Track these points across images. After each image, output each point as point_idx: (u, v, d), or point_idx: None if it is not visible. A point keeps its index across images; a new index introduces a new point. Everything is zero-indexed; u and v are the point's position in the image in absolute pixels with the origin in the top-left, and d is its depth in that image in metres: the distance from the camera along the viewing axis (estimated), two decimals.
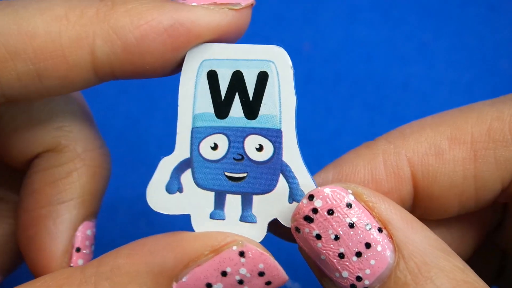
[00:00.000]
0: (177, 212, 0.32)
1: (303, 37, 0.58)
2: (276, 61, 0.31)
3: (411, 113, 0.56)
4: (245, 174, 0.31)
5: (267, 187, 0.31)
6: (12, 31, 0.30)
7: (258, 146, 0.31)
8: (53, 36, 0.30)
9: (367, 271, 0.29)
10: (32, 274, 0.35)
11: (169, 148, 0.32)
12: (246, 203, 0.31)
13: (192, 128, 0.32)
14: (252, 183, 0.31)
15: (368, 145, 0.34)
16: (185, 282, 0.30)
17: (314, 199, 0.29)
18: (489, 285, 0.29)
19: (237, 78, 0.31)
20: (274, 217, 0.31)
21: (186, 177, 0.32)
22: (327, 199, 0.29)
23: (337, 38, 0.58)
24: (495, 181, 0.32)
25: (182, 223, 0.32)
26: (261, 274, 0.30)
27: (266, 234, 0.31)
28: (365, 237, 0.29)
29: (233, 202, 0.31)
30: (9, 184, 0.38)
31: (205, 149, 0.32)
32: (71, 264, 0.34)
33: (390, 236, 0.29)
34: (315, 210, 0.29)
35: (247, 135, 0.31)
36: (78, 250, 0.35)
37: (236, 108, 0.31)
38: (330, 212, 0.29)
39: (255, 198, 0.31)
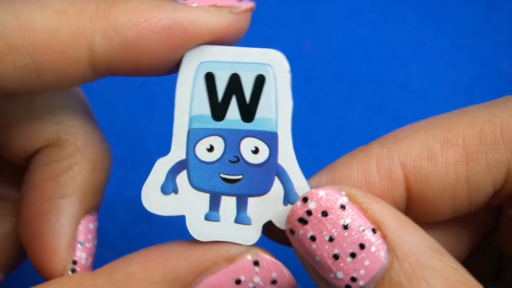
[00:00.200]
0: (172, 213, 0.32)
1: (303, 37, 0.58)
2: (274, 65, 0.31)
3: (411, 113, 0.56)
4: (240, 176, 0.32)
5: (262, 190, 0.32)
6: (12, 25, 0.30)
7: (254, 149, 0.32)
8: (52, 31, 0.30)
9: (362, 272, 0.29)
10: (36, 270, 0.35)
11: (169, 148, 0.32)
12: (241, 205, 0.32)
13: (189, 130, 0.32)
14: (247, 185, 0.32)
15: (361, 149, 0.34)
16: None
17: (308, 201, 0.30)
18: (487, 287, 0.30)
19: (235, 81, 0.31)
20: (268, 219, 0.32)
21: (182, 179, 0.32)
22: (321, 201, 0.30)
23: (337, 38, 0.58)
24: (487, 183, 0.33)
25: (183, 223, 0.32)
26: (274, 282, 0.31)
27: (260, 236, 0.32)
28: (359, 238, 0.29)
29: (228, 203, 0.32)
30: (10, 181, 0.38)
31: (201, 150, 0.32)
32: (74, 258, 0.34)
33: (384, 237, 0.29)
34: (309, 212, 0.30)
35: (243, 138, 0.32)
36: (81, 244, 0.35)
37: (233, 111, 0.32)
38: (324, 213, 0.29)
39: (250, 200, 0.32)
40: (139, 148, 0.55)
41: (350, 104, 0.56)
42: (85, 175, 0.35)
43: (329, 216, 0.29)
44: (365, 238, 0.29)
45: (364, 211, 0.30)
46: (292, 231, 0.30)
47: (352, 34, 0.58)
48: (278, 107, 0.31)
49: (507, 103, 0.33)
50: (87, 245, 0.35)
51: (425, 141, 0.33)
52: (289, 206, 0.31)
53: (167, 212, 0.32)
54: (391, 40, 0.58)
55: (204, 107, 0.32)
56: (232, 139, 0.32)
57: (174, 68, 0.32)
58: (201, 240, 0.32)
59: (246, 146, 0.32)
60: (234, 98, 0.32)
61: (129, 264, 0.31)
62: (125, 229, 0.52)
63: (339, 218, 0.29)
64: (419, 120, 0.35)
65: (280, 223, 0.31)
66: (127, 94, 0.56)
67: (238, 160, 0.32)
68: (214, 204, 0.32)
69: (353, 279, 0.29)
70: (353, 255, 0.29)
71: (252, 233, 0.32)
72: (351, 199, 0.30)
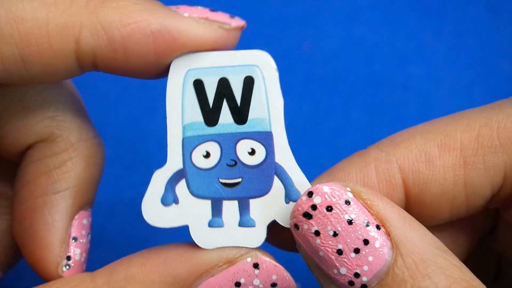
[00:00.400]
0: (175, 225, 0.31)
1: (303, 37, 0.58)
2: (261, 65, 0.31)
3: (411, 113, 0.56)
4: (239, 179, 0.32)
5: (263, 190, 0.32)
6: (0, 15, 0.30)
7: (250, 150, 0.32)
8: (40, 22, 0.30)
9: (365, 268, 0.29)
10: (30, 266, 0.35)
11: None
12: (244, 208, 0.32)
13: (183, 138, 0.32)
14: (247, 188, 0.32)
15: (360, 154, 0.34)
16: None
17: (313, 195, 0.30)
18: None
19: (224, 85, 0.31)
20: (272, 219, 0.32)
21: (181, 188, 0.32)
22: (326, 196, 0.30)
23: (337, 38, 0.58)
24: (485, 187, 0.33)
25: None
26: (274, 285, 0.31)
27: (266, 237, 0.32)
28: (363, 234, 0.29)
29: (230, 208, 0.32)
30: (6, 179, 0.38)
31: (197, 158, 0.32)
32: (68, 254, 0.34)
33: (388, 234, 0.29)
34: (314, 207, 0.30)
35: (238, 140, 0.32)
36: (75, 239, 0.34)
37: (225, 115, 0.32)
38: (329, 208, 0.29)
39: (252, 202, 0.32)
40: (139, 149, 0.55)
41: (349, 104, 0.56)
42: (78, 170, 0.35)
43: (334, 211, 0.29)
44: (370, 234, 0.29)
45: (368, 207, 0.30)
46: (296, 226, 0.30)
47: (352, 34, 0.58)
48: (269, 107, 0.31)
49: (503, 106, 0.33)
50: (81, 240, 0.35)
51: (423, 145, 0.33)
52: (291, 203, 0.31)
53: (170, 223, 0.31)
54: (391, 40, 0.58)
55: (196, 114, 0.32)
56: (228, 143, 0.32)
57: (162, 73, 0.32)
58: (207, 248, 0.31)
59: (242, 148, 0.32)
60: (225, 102, 0.32)
61: (128, 265, 0.31)
62: (125, 229, 0.52)
63: (344, 213, 0.29)
64: (418, 120, 0.35)
65: (284, 222, 0.31)
66: (127, 95, 0.56)
67: (236, 163, 0.32)
68: (216, 210, 0.32)
69: (357, 275, 0.29)
70: (357, 250, 0.29)
71: (257, 235, 0.32)
72: (356, 195, 0.30)
